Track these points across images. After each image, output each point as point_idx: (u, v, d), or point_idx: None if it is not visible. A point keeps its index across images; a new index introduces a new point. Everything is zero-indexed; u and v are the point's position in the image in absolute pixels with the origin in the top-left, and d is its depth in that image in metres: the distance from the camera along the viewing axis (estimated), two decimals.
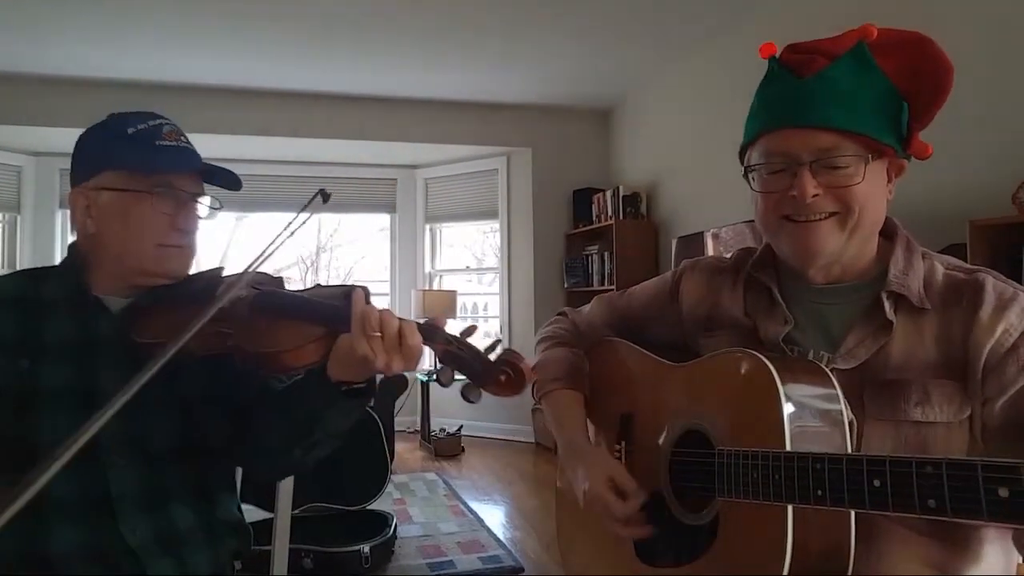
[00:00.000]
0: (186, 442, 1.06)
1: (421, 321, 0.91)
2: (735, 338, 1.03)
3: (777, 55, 0.96)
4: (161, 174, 1.04)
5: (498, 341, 0.89)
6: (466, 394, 0.86)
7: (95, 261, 1.07)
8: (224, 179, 1.10)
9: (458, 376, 0.88)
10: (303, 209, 0.97)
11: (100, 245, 1.06)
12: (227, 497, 1.16)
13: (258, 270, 0.95)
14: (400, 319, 0.90)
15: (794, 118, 0.90)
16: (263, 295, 0.99)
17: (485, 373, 0.86)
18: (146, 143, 1.03)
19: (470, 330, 0.90)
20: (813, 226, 0.90)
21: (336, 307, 0.92)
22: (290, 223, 0.97)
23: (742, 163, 1.01)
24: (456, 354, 0.87)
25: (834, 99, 0.88)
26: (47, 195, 5.52)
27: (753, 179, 0.97)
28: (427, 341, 0.88)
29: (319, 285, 1.08)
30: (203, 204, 1.10)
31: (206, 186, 1.13)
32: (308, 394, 1.00)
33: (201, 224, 1.11)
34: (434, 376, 0.87)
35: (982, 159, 2.58)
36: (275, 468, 1.20)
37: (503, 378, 0.85)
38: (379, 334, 0.87)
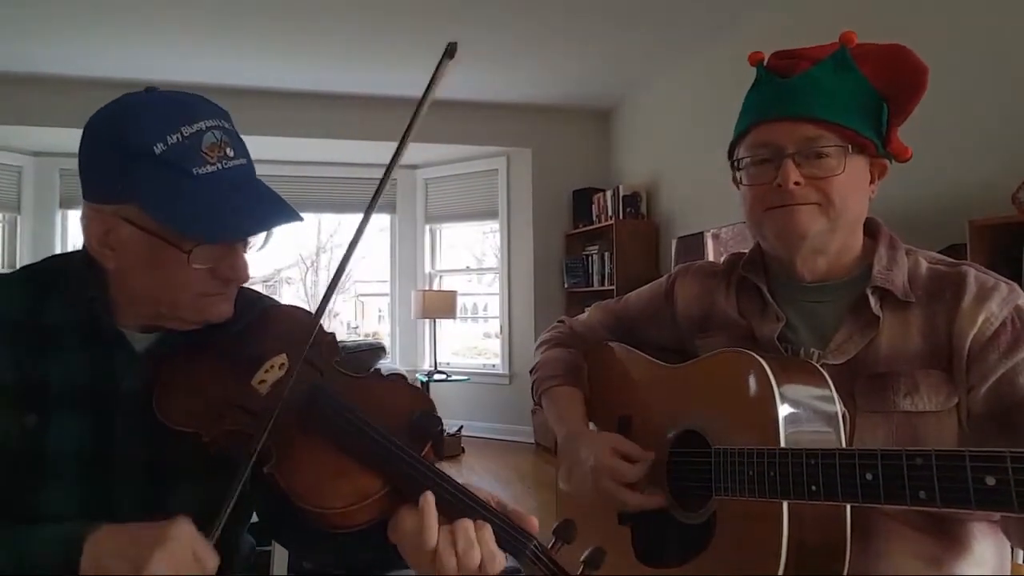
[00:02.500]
0: (212, 509, 0.86)
1: (504, 523, 0.71)
2: (731, 338, 1.05)
3: (764, 62, 1.00)
4: (201, 238, 0.79)
5: (598, 554, 0.71)
6: None
7: (116, 290, 0.85)
8: (287, 219, 0.84)
9: None
10: (434, 78, 0.74)
11: (122, 282, 0.85)
12: (243, 537, 1.03)
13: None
14: (478, 528, 0.69)
15: (777, 110, 0.94)
16: (313, 403, 0.79)
17: None
18: (181, 174, 0.77)
19: (566, 532, 0.71)
20: (795, 209, 0.93)
21: (406, 464, 0.73)
22: (423, 98, 0.74)
23: (731, 163, 1.03)
24: None
25: (816, 94, 0.92)
26: (47, 195, 5.54)
27: (741, 176, 1.00)
28: (513, 554, 0.71)
29: (377, 371, 0.90)
30: (254, 241, 0.87)
31: None
32: (364, 546, 0.80)
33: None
34: None
35: (982, 159, 2.58)
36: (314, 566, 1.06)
37: None
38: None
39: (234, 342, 0.88)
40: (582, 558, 0.70)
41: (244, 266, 0.86)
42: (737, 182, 1.02)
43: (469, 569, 0.68)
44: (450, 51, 0.75)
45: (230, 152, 0.81)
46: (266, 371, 0.84)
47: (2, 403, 0.79)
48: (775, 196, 0.94)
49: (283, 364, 0.84)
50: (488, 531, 0.70)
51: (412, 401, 0.84)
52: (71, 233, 5.69)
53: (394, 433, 0.76)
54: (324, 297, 0.79)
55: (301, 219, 0.84)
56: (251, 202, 0.81)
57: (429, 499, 0.71)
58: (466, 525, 0.70)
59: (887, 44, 0.96)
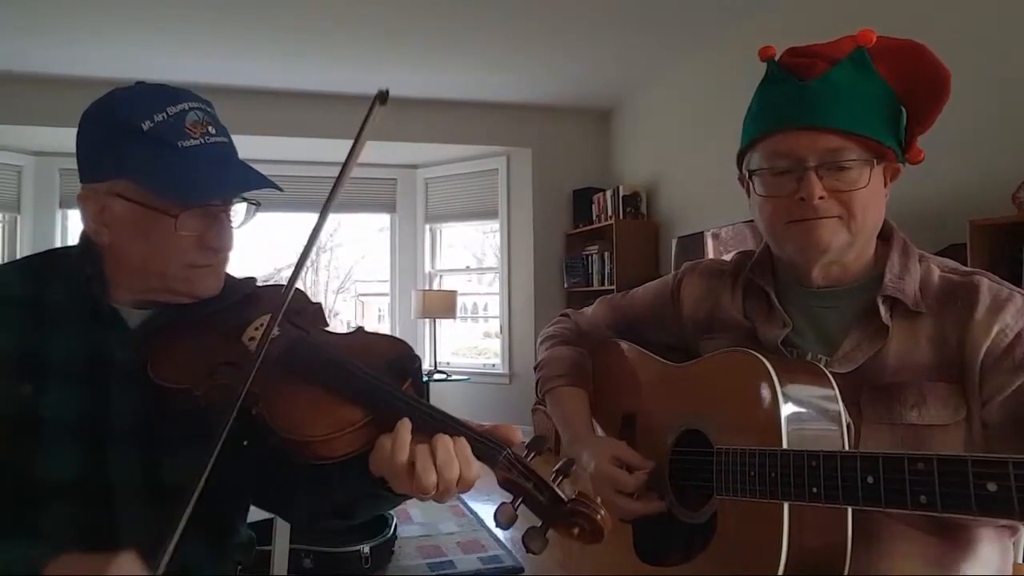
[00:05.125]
0: (204, 482, 0.91)
1: (478, 435, 0.75)
2: (735, 341, 1.03)
3: (776, 58, 0.96)
4: (186, 199, 0.86)
5: (568, 464, 0.74)
6: (528, 543, 0.69)
7: (111, 267, 0.91)
8: (265, 184, 0.92)
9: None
10: (365, 121, 0.78)
11: (116, 257, 0.90)
12: (240, 522, 1.05)
13: (283, 280, 0.84)
14: (455, 441, 0.73)
15: (798, 118, 0.90)
16: (296, 351, 0.84)
17: (554, 517, 0.70)
18: (167, 147, 0.84)
19: (538, 444, 0.75)
20: (818, 223, 0.90)
21: (384, 392, 0.77)
22: (354, 144, 0.78)
23: (740, 167, 1.01)
24: (521, 486, 0.71)
25: (838, 101, 0.88)
26: (47, 195, 5.53)
27: (755, 183, 0.96)
28: (487, 462, 0.74)
29: (361, 328, 0.95)
30: (237, 212, 0.93)
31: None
32: (348, 480, 0.84)
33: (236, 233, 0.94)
34: (494, 516, 0.72)
35: (982, 159, 2.59)
36: (303, 526, 1.09)
37: (576, 531, 0.70)
38: (432, 491, 0.72)
39: (225, 312, 0.93)
40: (555, 468, 0.74)
41: (229, 235, 0.92)
42: (748, 188, 0.99)
43: (449, 481, 0.71)
44: (381, 97, 0.79)
45: (212, 130, 0.89)
46: (255, 328, 0.89)
47: (1, 374, 0.85)
48: (797, 209, 0.91)
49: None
50: (463, 441, 0.74)
51: (392, 346, 0.89)
52: (71, 233, 5.68)
53: (374, 372, 0.81)
54: (298, 263, 0.82)
55: (280, 188, 0.93)
56: (231, 170, 0.90)
57: (405, 422, 0.74)
58: (444, 439, 0.73)
59: (904, 42, 0.92)
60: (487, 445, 0.74)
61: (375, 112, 0.79)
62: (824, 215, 0.90)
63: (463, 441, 0.74)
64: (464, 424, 0.76)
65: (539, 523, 0.70)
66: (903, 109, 0.93)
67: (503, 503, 0.71)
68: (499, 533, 3.48)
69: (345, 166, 0.80)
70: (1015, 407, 0.84)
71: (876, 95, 0.90)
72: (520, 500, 0.71)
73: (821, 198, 0.88)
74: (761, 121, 0.95)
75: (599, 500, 0.70)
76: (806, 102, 0.89)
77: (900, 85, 0.91)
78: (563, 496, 0.70)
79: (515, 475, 0.71)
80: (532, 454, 0.74)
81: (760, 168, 0.94)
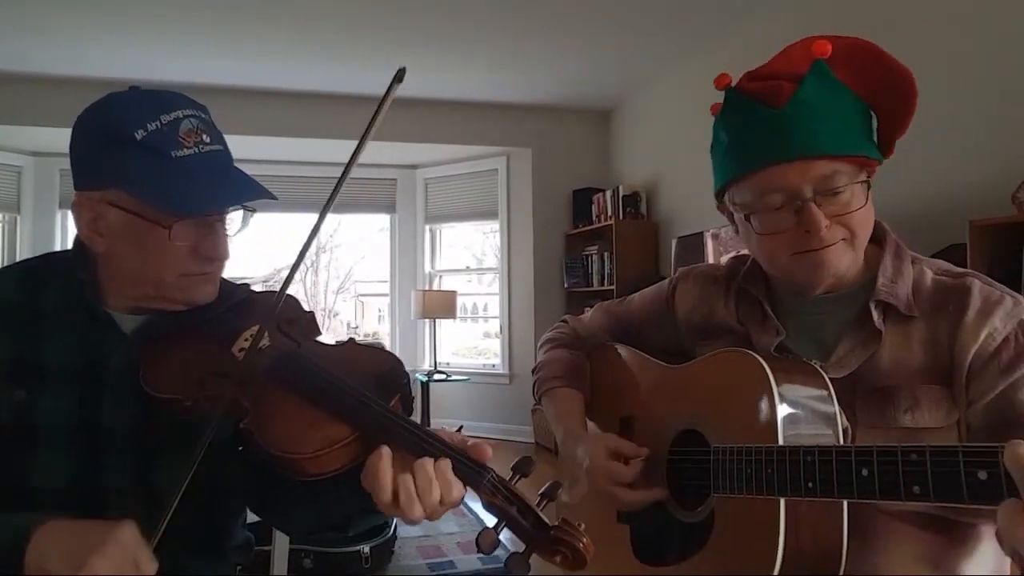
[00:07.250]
0: (200, 485, 0.86)
1: (462, 458, 0.75)
2: (730, 346, 1.03)
3: (733, 84, 0.94)
4: (179, 211, 0.85)
5: (553, 487, 0.74)
6: (511, 568, 0.69)
7: (105, 274, 0.91)
8: (259, 195, 0.91)
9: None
10: (385, 96, 0.80)
11: (111, 265, 0.90)
12: (237, 524, 1.06)
13: (274, 282, 0.85)
14: (436, 464, 0.73)
15: (785, 151, 0.87)
16: (287, 363, 0.84)
17: (538, 543, 0.71)
18: (160, 157, 0.83)
19: (524, 466, 0.75)
20: (826, 250, 0.89)
21: (371, 410, 0.78)
22: (370, 125, 0.79)
23: (719, 200, 1.00)
24: (504, 510, 0.72)
25: (817, 125, 0.87)
26: (47, 195, 5.54)
27: (751, 221, 0.94)
28: (472, 486, 0.74)
29: (352, 340, 0.96)
30: (232, 220, 0.92)
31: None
32: (340, 495, 0.83)
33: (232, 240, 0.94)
34: (476, 542, 0.72)
35: (982, 159, 2.58)
36: (300, 537, 1.10)
37: (558, 558, 0.70)
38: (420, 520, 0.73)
39: (217, 320, 0.93)
40: (540, 491, 0.74)
41: (224, 244, 0.91)
42: (732, 218, 0.98)
43: (432, 504, 0.72)
44: (399, 76, 0.81)
45: (206, 138, 0.88)
46: (245, 340, 0.89)
47: None
48: (801, 241, 0.89)
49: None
50: (445, 463, 0.74)
51: (382, 360, 0.89)
52: (71, 233, 5.65)
53: (363, 387, 0.81)
54: (292, 267, 0.83)
55: (274, 197, 0.91)
56: (225, 181, 0.89)
57: (385, 458, 0.74)
58: (425, 465, 0.73)
59: (855, 42, 0.90)
60: (471, 468, 0.74)
61: (393, 91, 0.81)
62: (830, 242, 0.89)
63: (445, 463, 0.74)
64: (448, 445, 0.76)
65: (523, 548, 0.71)
66: (872, 114, 0.92)
67: (485, 528, 0.71)
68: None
69: (358, 147, 0.82)
70: (998, 411, 0.84)
71: (848, 107, 0.89)
72: (503, 524, 0.72)
73: (826, 226, 0.88)
74: (743, 158, 0.92)
75: (582, 528, 0.70)
76: (786, 132, 0.87)
77: (863, 90, 0.90)
78: (547, 522, 0.71)
79: (499, 499, 0.72)
80: (517, 477, 0.75)
81: (753, 205, 0.93)
